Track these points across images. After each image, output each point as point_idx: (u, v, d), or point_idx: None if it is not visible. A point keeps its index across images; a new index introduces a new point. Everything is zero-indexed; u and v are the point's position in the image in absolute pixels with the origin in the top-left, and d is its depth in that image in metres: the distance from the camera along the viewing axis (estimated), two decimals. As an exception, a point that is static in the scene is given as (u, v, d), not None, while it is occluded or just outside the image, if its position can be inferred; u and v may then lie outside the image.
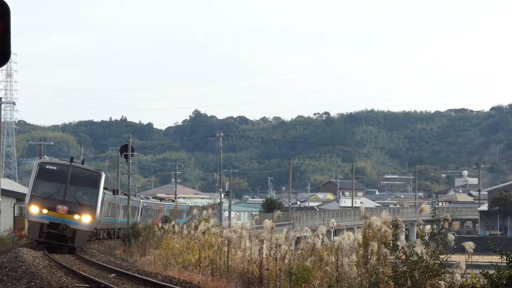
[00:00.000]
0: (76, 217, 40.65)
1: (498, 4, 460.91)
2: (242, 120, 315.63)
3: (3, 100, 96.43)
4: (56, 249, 40.88)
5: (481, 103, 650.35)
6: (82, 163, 44.41)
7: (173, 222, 53.86)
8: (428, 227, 21.64)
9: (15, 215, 64.80)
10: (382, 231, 23.11)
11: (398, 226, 22.87)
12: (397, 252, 21.41)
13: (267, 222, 29.64)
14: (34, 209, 40.67)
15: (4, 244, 52.72)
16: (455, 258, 21.14)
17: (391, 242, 21.94)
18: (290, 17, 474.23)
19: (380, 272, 22.68)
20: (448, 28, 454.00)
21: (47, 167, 42.02)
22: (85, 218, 40.80)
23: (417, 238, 23.34)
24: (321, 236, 28.20)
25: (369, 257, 23.34)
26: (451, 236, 21.04)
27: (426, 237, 21.15)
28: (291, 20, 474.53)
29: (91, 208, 41.14)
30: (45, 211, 40.56)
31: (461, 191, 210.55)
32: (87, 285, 21.40)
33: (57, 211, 40.54)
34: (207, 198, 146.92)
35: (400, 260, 21.21)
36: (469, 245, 20.90)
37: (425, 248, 20.72)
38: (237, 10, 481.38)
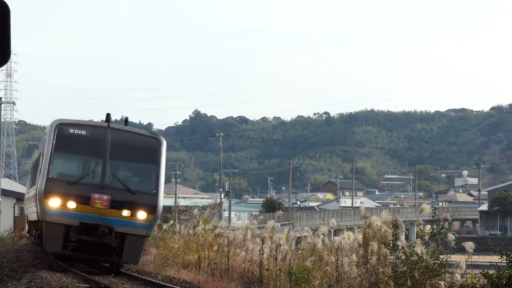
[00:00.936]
0: (125, 213, 24.70)
1: (498, 4, 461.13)
2: (242, 120, 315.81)
3: (3, 100, 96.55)
4: (86, 266, 26.37)
5: (481, 103, 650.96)
6: (126, 124, 26.75)
7: (171, 221, 53.92)
8: (428, 227, 21.68)
9: (15, 215, 64.89)
10: (382, 231, 23.14)
11: (398, 226, 22.90)
12: (397, 252, 21.44)
13: (271, 223, 29.69)
14: (53, 202, 24.43)
15: (4, 244, 52.73)
16: (455, 258, 21.16)
17: (391, 242, 21.98)
18: (290, 17, 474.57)
19: (380, 272, 22.71)
20: (448, 28, 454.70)
21: (71, 131, 25.28)
22: (141, 215, 24.83)
23: (417, 238, 23.36)
24: (321, 236, 28.25)
25: (369, 257, 23.36)
26: (451, 236, 21.07)
27: (426, 237, 21.18)
28: (291, 20, 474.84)
29: (149, 198, 25.05)
30: (71, 204, 24.38)
31: (461, 191, 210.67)
32: (87, 285, 21.39)
33: (92, 204, 24.44)
34: (207, 198, 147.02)
35: (400, 260, 21.25)
36: (469, 245, 20.93)
37: (425, 248, 20.75)
38: (237, 10, 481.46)
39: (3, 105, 69.97)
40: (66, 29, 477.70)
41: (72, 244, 24.62)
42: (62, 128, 25.36)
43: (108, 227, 24.48)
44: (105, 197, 24.58)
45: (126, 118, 27.02)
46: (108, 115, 26.12)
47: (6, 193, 62.30)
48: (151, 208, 24.90)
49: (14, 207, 64.97)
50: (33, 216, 28.66)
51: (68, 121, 25.92)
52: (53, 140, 25.11)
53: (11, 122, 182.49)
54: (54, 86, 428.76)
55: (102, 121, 26.50)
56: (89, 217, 24.43)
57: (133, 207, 24.78)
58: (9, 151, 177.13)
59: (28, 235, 45.47)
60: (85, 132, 25.31)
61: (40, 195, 24.74)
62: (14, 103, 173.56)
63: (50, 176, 24.83)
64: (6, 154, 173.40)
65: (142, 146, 25.72)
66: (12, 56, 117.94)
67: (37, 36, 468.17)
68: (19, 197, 63.27)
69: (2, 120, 65.76)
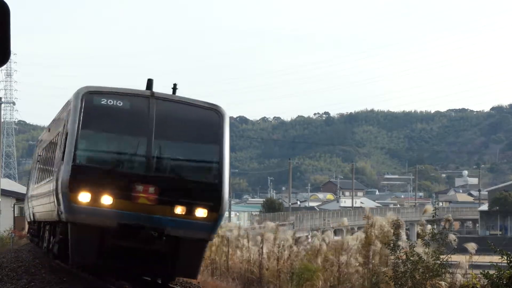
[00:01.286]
0: (179, 210, 18.25)
1: (498, 4, 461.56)
2: (242, 120, 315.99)
3: (3, 100, 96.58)
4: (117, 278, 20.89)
5: (481, 103, 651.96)
6: (174, 92, 19.69)
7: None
8: (429, 227, 21.69)
9: (15, 215, 64.91)
10: (385, 231, 23.16)
11: (399, 226, 22.90)
12: (398, 252, 21.44)
13: (282, 229, 29.92)
14: (82, 197, 18.04)
15: (4, 244, 52.74)
16: (456, 258, 21.16)
17: (391, 242, 21.98)
18: (290, 17, 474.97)
19: (381, 272, 22.70)
20: (448, 28, 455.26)
21: (104, 102, 18.64)
22: (200, 212, 18.41)
23: (417, 238, 23.38)
24: (326, 238, 28.28)
25: (371, 257, 23.37)
26: (452, 236, 21.07)
27: (427, 237, 21.18)
28: (291, 20, 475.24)
29: (210, 189, 18.48)
30: (107, 200, 18.08)
31: (461, 191, 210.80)
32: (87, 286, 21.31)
33: (134, 199, 18.09)
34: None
35: (400, 260, 21.25)
36: (472, 246, 20.94)
37: (426, 248, 20.76)
38: (237, 10, 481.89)
39: (3, 105, 69.98)
40: (66, 29, 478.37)
41: (108, 252, 18.36)
42: (91, 98, 18.74)
43: (156, 229, 18.22)
44: (152, 189, 18.21)
45: (175, 84, 19.79)
46: (150, 81, 19.27)
47: (6, 193, 62.32)
48: (214, 204, 18.43)
49: (14, 207, 64.98)
50: (44, 216, 23.47)
51: (99, 89, 19.15)
52: (80, 114, 18.50)
53: (11, 122, 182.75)
54: (54, 86, 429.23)
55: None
56: (130, 216, 18.17)
57: (189, 203, 18.40)
58: (9, 151, 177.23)
59: (28, 235, 43.97)
60: (122, 103, 18.75)
61: (64, 187, 18.20)
62: (14, 103, 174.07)
63: (77, 162, 18.26)
64: (6, 154, 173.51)
65: (198, 120, 18.96)
66: (12, 56, 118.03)
67: (37, 36, 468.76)
68: (19, 197, 63.28)
69: (2, 120, 65.72)
